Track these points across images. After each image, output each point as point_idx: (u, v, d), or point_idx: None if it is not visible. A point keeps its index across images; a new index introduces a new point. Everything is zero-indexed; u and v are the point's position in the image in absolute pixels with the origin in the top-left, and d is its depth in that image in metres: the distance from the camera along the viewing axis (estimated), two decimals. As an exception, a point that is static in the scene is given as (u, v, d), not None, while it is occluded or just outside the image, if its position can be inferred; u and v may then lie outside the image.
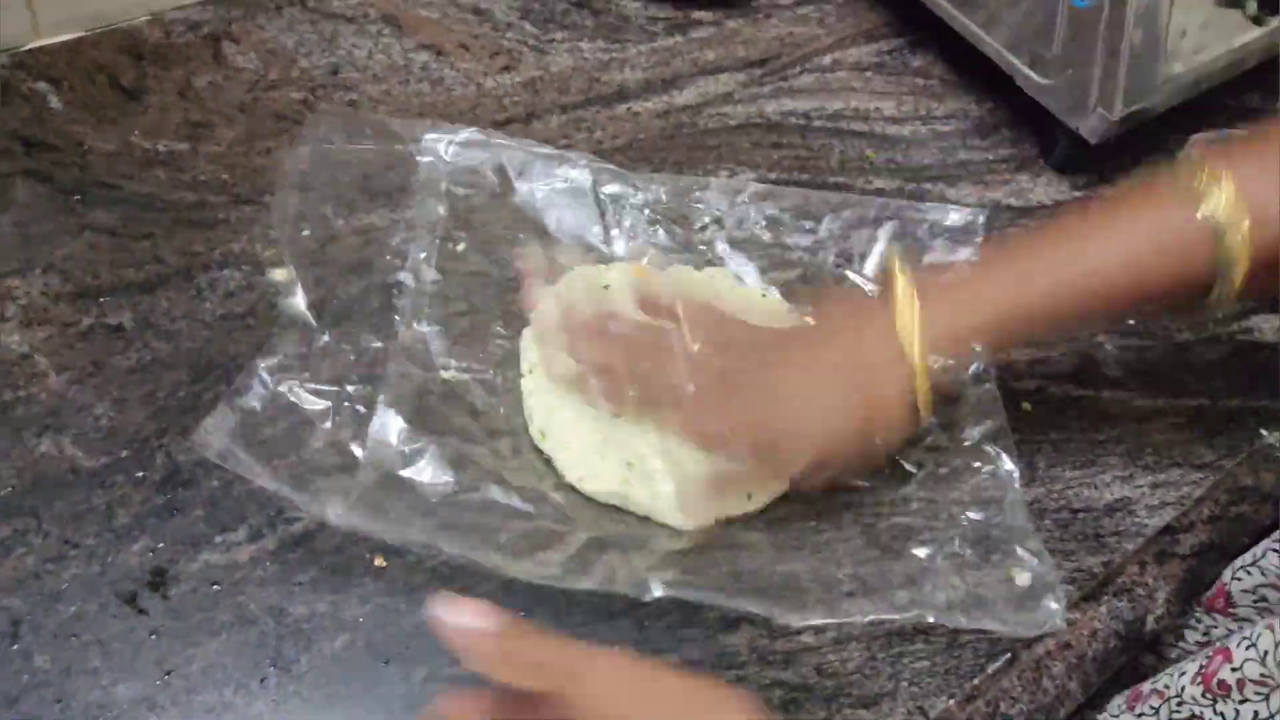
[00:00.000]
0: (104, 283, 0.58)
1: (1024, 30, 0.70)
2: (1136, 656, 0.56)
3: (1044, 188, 0.73)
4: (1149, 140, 0.74)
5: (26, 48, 0.68)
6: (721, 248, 0.63)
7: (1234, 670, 0.49)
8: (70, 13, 0.69)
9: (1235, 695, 0.49)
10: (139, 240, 0.60)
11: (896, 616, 0.48)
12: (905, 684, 0.48)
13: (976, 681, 0.49)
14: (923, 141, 0.74)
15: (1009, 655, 0.50)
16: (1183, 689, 0.51)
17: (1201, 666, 0.51)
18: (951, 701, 0.48)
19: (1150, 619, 0.54)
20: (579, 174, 0.63)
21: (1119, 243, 0.48)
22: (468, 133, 0.63)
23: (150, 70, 0.68)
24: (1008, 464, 0.54)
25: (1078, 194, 0.73)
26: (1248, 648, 0.48)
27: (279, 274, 0.59)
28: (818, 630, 0.49)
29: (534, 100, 0.71)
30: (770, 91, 0.75)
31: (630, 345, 0.51)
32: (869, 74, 0.77)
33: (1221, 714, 0.49)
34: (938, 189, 0.71)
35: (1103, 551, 0.55)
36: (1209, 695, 0.50)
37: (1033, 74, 0.70)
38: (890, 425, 0.49)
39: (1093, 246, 0.49)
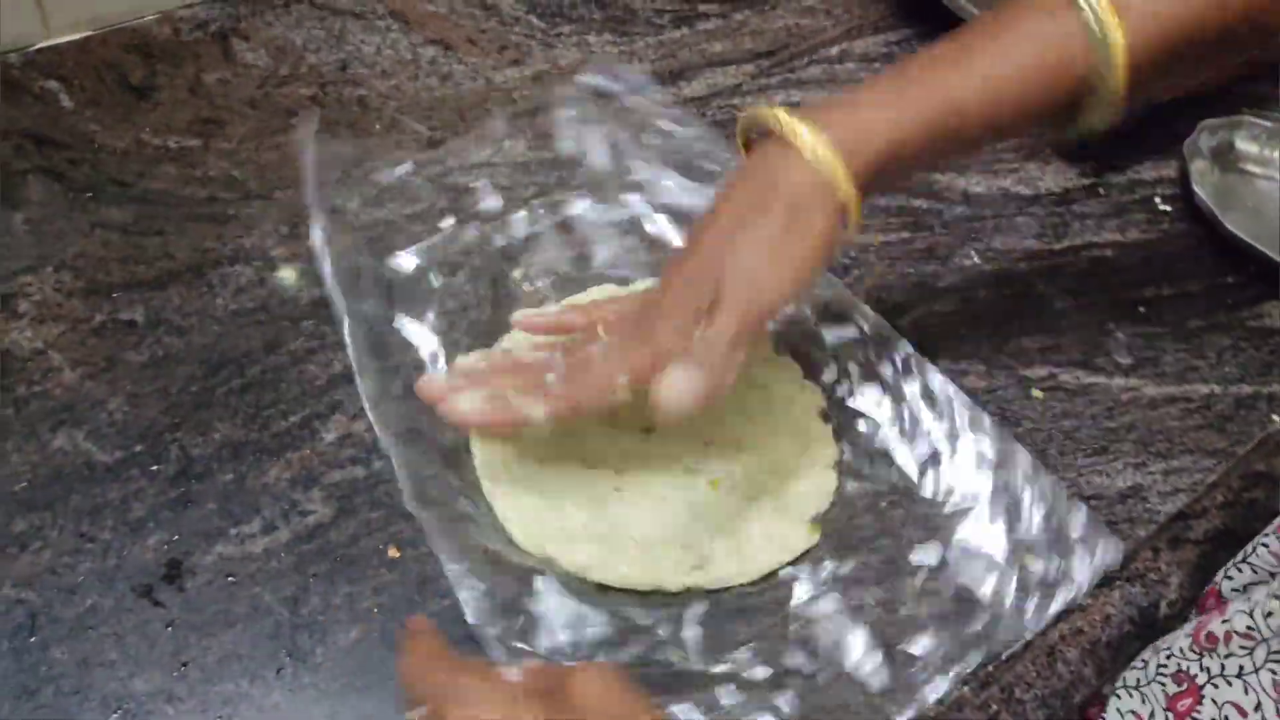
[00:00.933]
0: (116, 279, 0.58)
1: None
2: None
3: (1052, 175, 0.73)
4: (1156, 126, 0.74)
5: (36, 47, 0.68)
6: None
7: (1224, 623, 0.49)
8: (80, 11, 0.69)
9: (1221, 649, 0.49)
10: (150, 237, 0.60)
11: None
12: (918, 670, 0.48)
13: (990, 667, 0.49)
14: (931, 131, 0.74)
15: (1023, 641, 0.50)
16: (1175, 642, 0.51)
17: (1197, 621, 0.51)
18: (966, 688, 0.48)
19: (1164, 604, 0.54)
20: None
21: (1002, 52, 0.48)
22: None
23: (160, 68, 0.69)
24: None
25: (1086, 181, 0.73)
26: (1242, 600, 0.48)
27: (287, 273, 0.59)
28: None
29: (542, 93, 0.71)
30: (778, 83, 0.75)
31: (531, 357, 0.51)
32: (877, 65, 0.77)
33: (1207, 669, 0.49)
34: (946, 178, 0.71)
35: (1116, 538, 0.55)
36: (1196, 648, 0.50)
37: (1041, 62, 0.70)
38: (822, 229, 0.46)
39: (977, 58, 0.48)
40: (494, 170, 0.65)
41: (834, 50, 0.78)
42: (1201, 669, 0.49)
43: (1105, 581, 0.53)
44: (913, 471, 0.54)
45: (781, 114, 0.47)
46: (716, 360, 0.45)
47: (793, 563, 0.51)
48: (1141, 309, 0.66)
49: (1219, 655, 0.49)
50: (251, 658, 0.46)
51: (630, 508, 0.51)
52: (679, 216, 0.63)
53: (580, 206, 0.63)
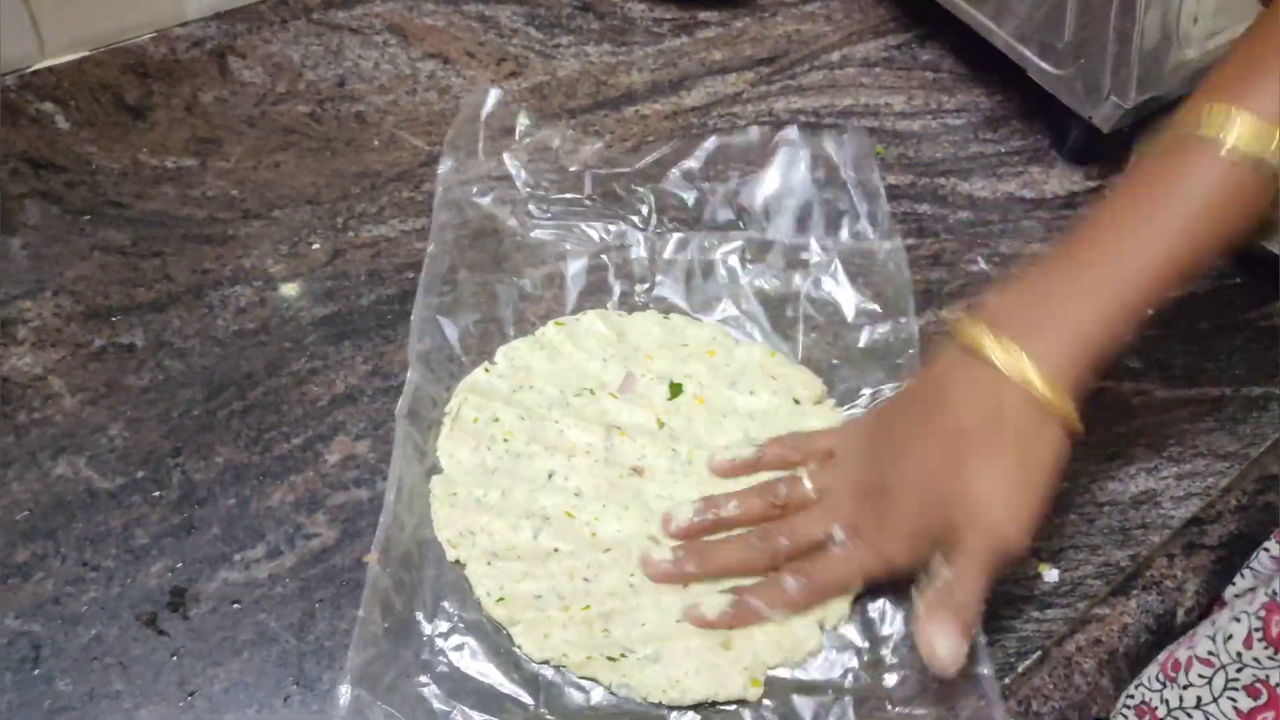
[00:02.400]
0: (115, 302, 0.58)
1: (1034, 20, 0.69)
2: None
3: (1057, 179, 0.72)
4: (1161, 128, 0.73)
5: (32, 68, 0.68)
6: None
7: (1189, 649, 0.48)
8: (75, 32, 0.69)
9: (1182, 678, 0.48)
10: (149, 259, 0.60)
11: None
12: (936, 684, 0.47)
13: (1007, 680, 0.48)
14: (933, 136, 0.73)
15: (1039, 653, 0.49)
16: (1147, 670, 0.51)
17: (1169, 649, 0.50)
18: (982, 701, 0.47)
19: (1180, 611, 0.53)
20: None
21: (1179, 215, 0.46)
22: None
23: (156, 87, 0.68)
24: None
25: (1091, 184, 0.72)
26: (1210, 624, 0.48)
27: (289, 289, 0.59)
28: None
29: (542, 105, 0.71)
30: (779, 90, 0.74)
31: (748, 536, 0.49)
32: (878, 69, 0.77)
33: (1166, 701, 0.49)
34: (950, 183, 0.70)
35: (1130, 545, 0.54)
36: (1161, 678, 0.49)
37: (1044, 64, 0.70)
38: (1051, 459, 0.46)
39: (1157, 230, 0.47)
40: (668, 188, 0.66)
41: (835, 56, 0.77)
42: (1161, 701, 0.49)
43: (1121, 589, 0.52)
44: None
45: (990, 343, 0.46)
46: (967, 609, 0.44)
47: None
48: (1150, 312, 0.65)
49: (1179, 685, 0.48)
50: (258, 686, 0.45)
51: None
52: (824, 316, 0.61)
53: (732, 255, 0.63)
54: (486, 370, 0.56)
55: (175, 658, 0.46)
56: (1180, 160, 0.47)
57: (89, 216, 0.61)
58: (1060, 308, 0.47)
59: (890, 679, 0.47)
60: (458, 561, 0.49)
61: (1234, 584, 0.55)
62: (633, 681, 0.46)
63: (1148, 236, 0.47)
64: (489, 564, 0.49)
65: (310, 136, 0.67)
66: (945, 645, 0.43)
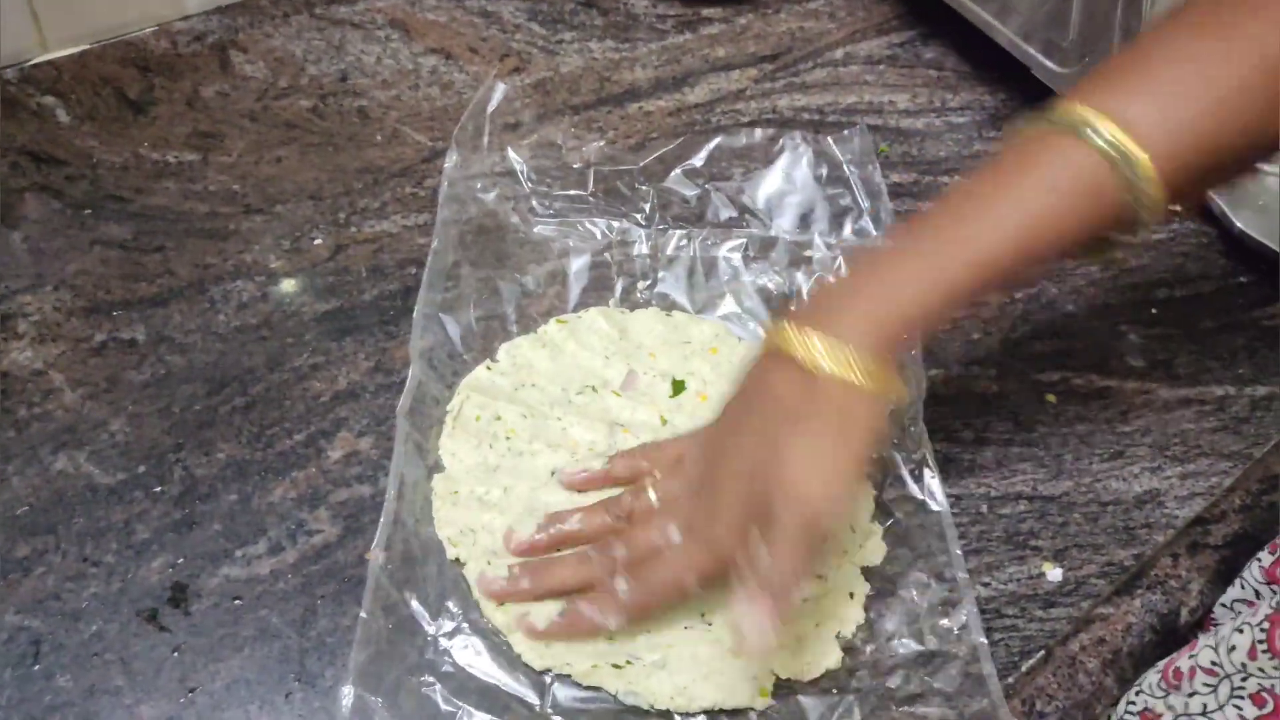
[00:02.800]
0: (116, 297, 0.57)
1: (1038, 18, 0.69)
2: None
3: (1061, 177, 0.72)
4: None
5: (33, 62, 0.68)
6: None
7: (1191, 658, 0.48)
8: (76, 26, 0.68)
9: (1186, 686, 0.48)
10: (150, 253, 0.59)
11: None
12: (942, 682, 0.47)
13: (1011, 680, 0.48)
14: (937, 134, 0.73)
15: (1043, 652, 0.49)
16: (1145, 678, 0.51)
17: (1171, 657, 0.50)
18: (986, 701, 0.47)
19: (1184, 611, 0.53)
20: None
21: (1027, 201, 0.45)
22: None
23: (157, 81, 0.68)
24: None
25: (1095, 182, 0.72)
26: (1211, 634, 0.48)
27: (291, 284, 0.59)
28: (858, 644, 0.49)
29: (545, 101, 0.70)
30: (782, 87, 0.74)
31: (587, 549, 0.48)
32: (881, 67, 0.76)
33: (1172, 707, 0.48)
34: (954, 181, 0.70)
35: (1134, 544, 0.54)
36: (1164, 686, 0.49)
37: (1048, 62, 0.69)
38: (861, 430, 0.45)
39: (1001, 209, 0.45)
40: (671, 185, 0.65)
41: (838, 53, 0.77)
42: (1166, 707, 0.49)
43: (1125, 588, 0.52)
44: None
45: (797, 341, 0.45)
46: (785, 586, 0.43)
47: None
48: (1153, 310, 0.65)
49: (1183, 693, 0.48)
50: (260, 682, 0.45)
51: None
52: None
53: (735, 252, 0.63)
54: (489, 368, 0.55)
55: (176, 654, 0.45)
56: (1036, 151, 0.46)
57: (90, 211, 0.61)
58: (868, 287, 0.46)
59: (894, 680, 0.47)
60: (457, 560, 0.49)
61: (1226, 594, 0.55)
62: (639, 689, 0.46)
63: (983, 223, 0.45)
64: (489, 563, 0.49)
65: (312, 131, 0.66)
66: (751, 627, 0.43)
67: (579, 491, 0.51)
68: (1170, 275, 0.67)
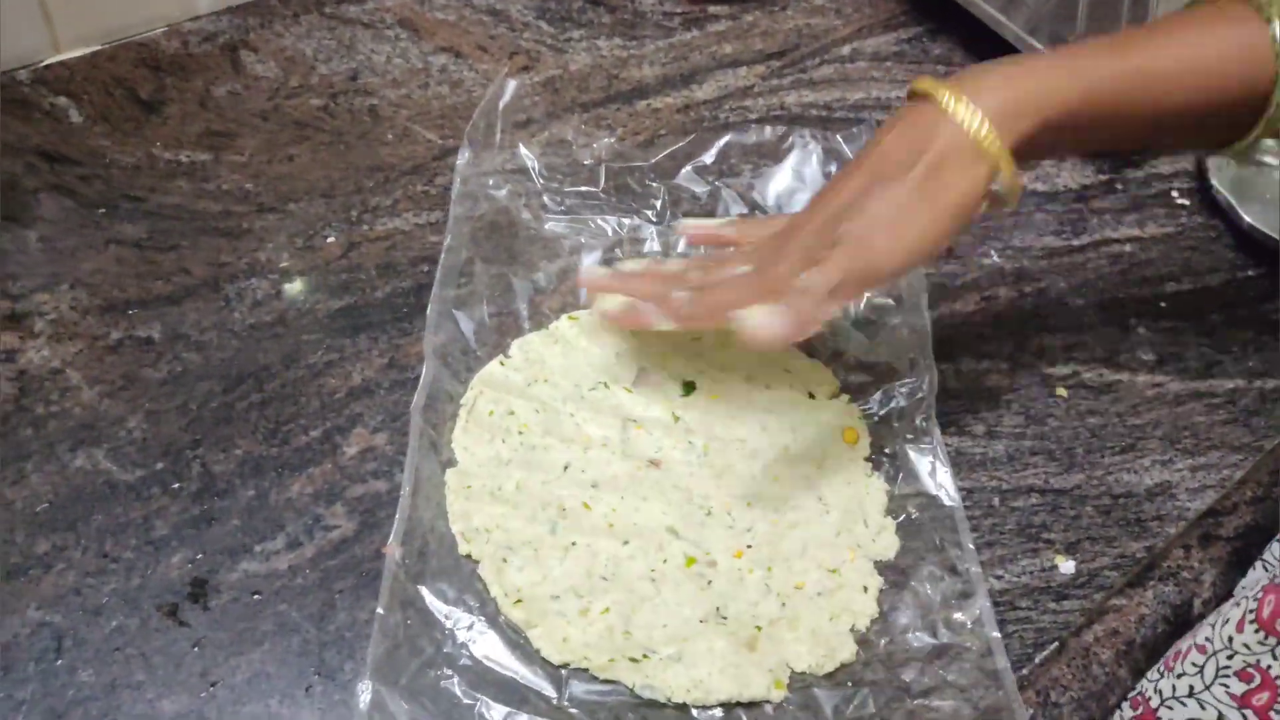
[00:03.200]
0: (132, 295, 0.58)
1: (1045, 12, 0.69)
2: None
3: (1069, 171, 0.72)
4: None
5: (45, 63, 0.68)
6: None
7: (1191, 639, 0.48)
8: (88, 27, 0.69)
9: (1176, 667, 0.48)
10: (165, 252, 0.60)
11: None
12: (955, 674, 0.48)
13: (1025, 671, 0.48)
14: (945, 129, 0.73)
15: (1057, 644, 0.50)
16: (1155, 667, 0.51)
17: (1178, 644, 0.50)
18: (1000, 693, 0.47)
19: (1198, 602, 0.53)
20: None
21: (1185, 48, 0.47)
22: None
23: (169, 81, 0.68)
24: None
25: (1103, 177, 0.72)
26: (1214, 614, 0.48)
27: (304, 283, 0.59)
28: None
29: (554, 99, 0.71)
30: (790, 83, 0.74)
31: (677, 266, 0.54)
32: (889, 63, 0.77)
33: (1160, 691, 0.48)
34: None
35: (1145, 536, 0.54)
36: (1161, 669, 0.49)
37: (1056, 57, 0.70)
38: (966, 197, 0.46)
39: (1157, 48, 0.48)
40: (681, 182, 0.66)
41: (845, 49, 0.77)
42: (1155, 691, 0.49)
43: (1138, 580, 0.52)
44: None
45: (934, 83, 0.47)
46: (806, 305, 0.46)
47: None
48: (1163, 304, 0.65)
49: (1173, 675, 0.48)
50: (280, 676, 0.45)
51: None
52: None
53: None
54: (502, 363, 0.56)
55: (196, 648, 0.46)
56: (1214, 10, 0.48)
57: (104, 210, 0.61)
58: (1016, 73, 0.47)
59: (908, 673, 0.47)
60: (469, 556, 0.49)
61: (1245, 577, 0.55)
62: (656, 682, 0.46)
63: (1143, 47, 0.47)
64: (504, 560, 0.49)
65: (323, 130, 0.67)
66: (761, 318, 0.45)
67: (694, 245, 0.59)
68: (1179, 269, 0.67)
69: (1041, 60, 0.48)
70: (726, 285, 0.50)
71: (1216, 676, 0.46)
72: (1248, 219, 0.68)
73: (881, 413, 0.57)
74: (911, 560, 0.51)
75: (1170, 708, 0.48)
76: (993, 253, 0.67)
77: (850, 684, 0.47)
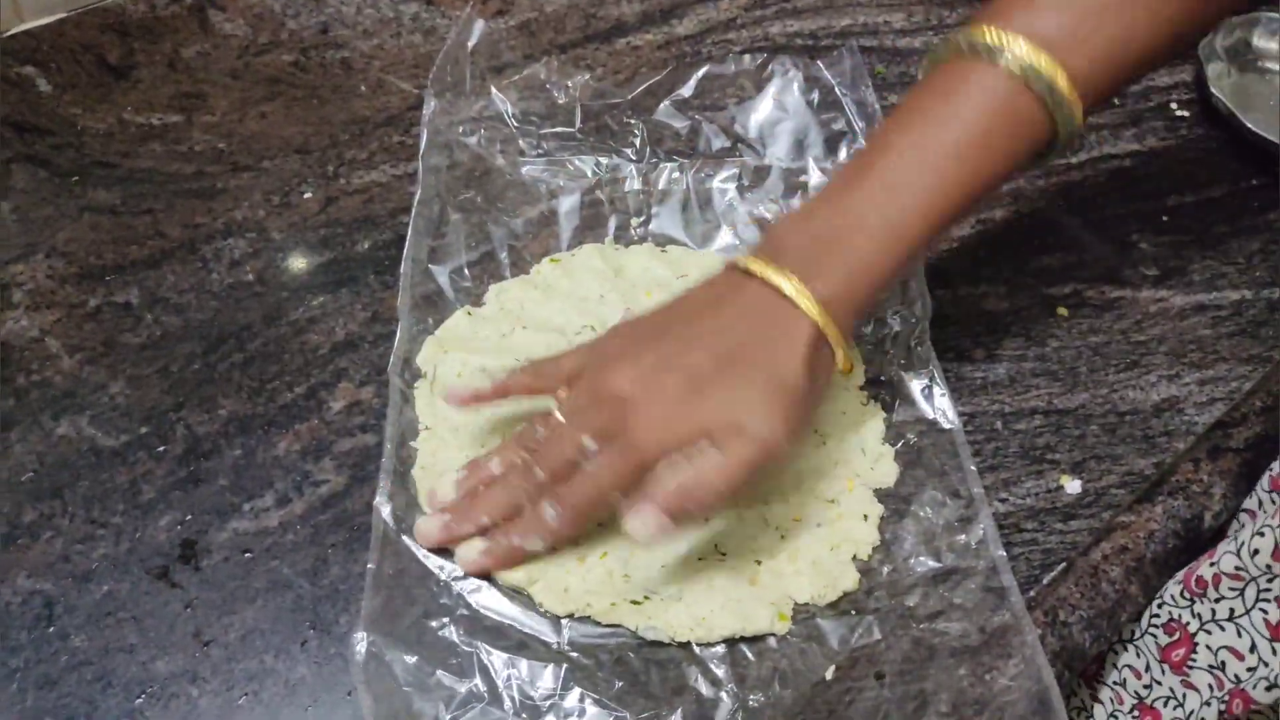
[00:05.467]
0: (108, 262, 0.57)
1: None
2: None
3: (1064, 89, 0.70)
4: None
5: (10, 33, 0.67)
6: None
7: (1212, 565, 0.47)
8: (51, -7, 0.67)
9: (1211, 593, 0.47)
10: (140, 216, 0.59)
11: None
12: (961, 597, 0.47)
13: (1033, 592, 0.47)
14: (934, 51, 0.71)
15: (1065, 564, 0.48)
16: (1166, 589, 0.50)
17: (1190, 566, 0.50)
18: (1007, 614, 0.46)
19: (1208, 516, 0.52)
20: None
21: (954, 136, 0.46)
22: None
23: (137, 45, 0.67)
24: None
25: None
26: (1229, 541, 0.47)
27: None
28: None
29: (531, 42, 0.69)
30: (774, 13, 0.72)
31: (515, 466, 0.47)
32: (873, -12, 0.74)
33: (1199, 615, 0.48)
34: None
35: (1153, 453, 0.53)
36: (1187, 595, 0.48)
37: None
38: (820, 383, 0.46)
39: (931, 153, 0.46)
40: (661, 118, 0.64)
41: (828, -24, 0.75)
42: (1193, 615, 0.48)
43: (1147, 496, 0.51)
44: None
45: (774, 272, 0.45)
46: (701, 508, 0.44)
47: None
48: (1165, 218, 0.64)
49: (1209, 600, 0.47)
50: (274, 632, 0.45)
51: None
52: None
53: (729, 183, 0.61)
54: (469, 314, 0.54)
55: (189, 609, 0.45)
56: (956, 79, 0.46)
57: (77, 178, 0.60)
58: (839, 241, 0.46)
59: (913, 598, 0.46)
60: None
61: (1249, 500, 0.54)
62: (659, 623, 0.45)
63: (922, 162, 0.46)
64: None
65: (296, 85, 0.65)
66: (638, 525, 0.43)
67: (467, 407, 0.49)
68: (1180, 181, 0.66)
69: (856, 216, 0.46)
70: (585, 474, 0.45)
71: (1257, 601, 0.46)
72: (1250, 127, 0.67)
73: (876, 340, 0.55)
74: (912, 487, 0.50)
75: (1209, 631, 0.47)
76: (987, 175, 0.65)
77: (854, 612, 0.46)
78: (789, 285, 0.45)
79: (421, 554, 0.46)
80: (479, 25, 0.64)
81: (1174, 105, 0.70)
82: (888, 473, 0.50)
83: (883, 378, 0.54)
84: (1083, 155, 0.67)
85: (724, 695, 0.44)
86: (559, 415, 0.46)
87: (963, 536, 0.48)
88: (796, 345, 0.45)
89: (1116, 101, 0.70)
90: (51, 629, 0.44)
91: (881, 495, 0.50)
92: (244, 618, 0.45)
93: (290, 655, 0.44)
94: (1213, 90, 0.69)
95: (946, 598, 0.46)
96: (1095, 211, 0.64)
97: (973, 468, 0.50)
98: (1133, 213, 0.64)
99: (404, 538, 0.46)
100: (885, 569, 0.48)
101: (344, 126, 0.63)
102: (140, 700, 0.43)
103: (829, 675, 0.44)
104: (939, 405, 0.52)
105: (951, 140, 0.46)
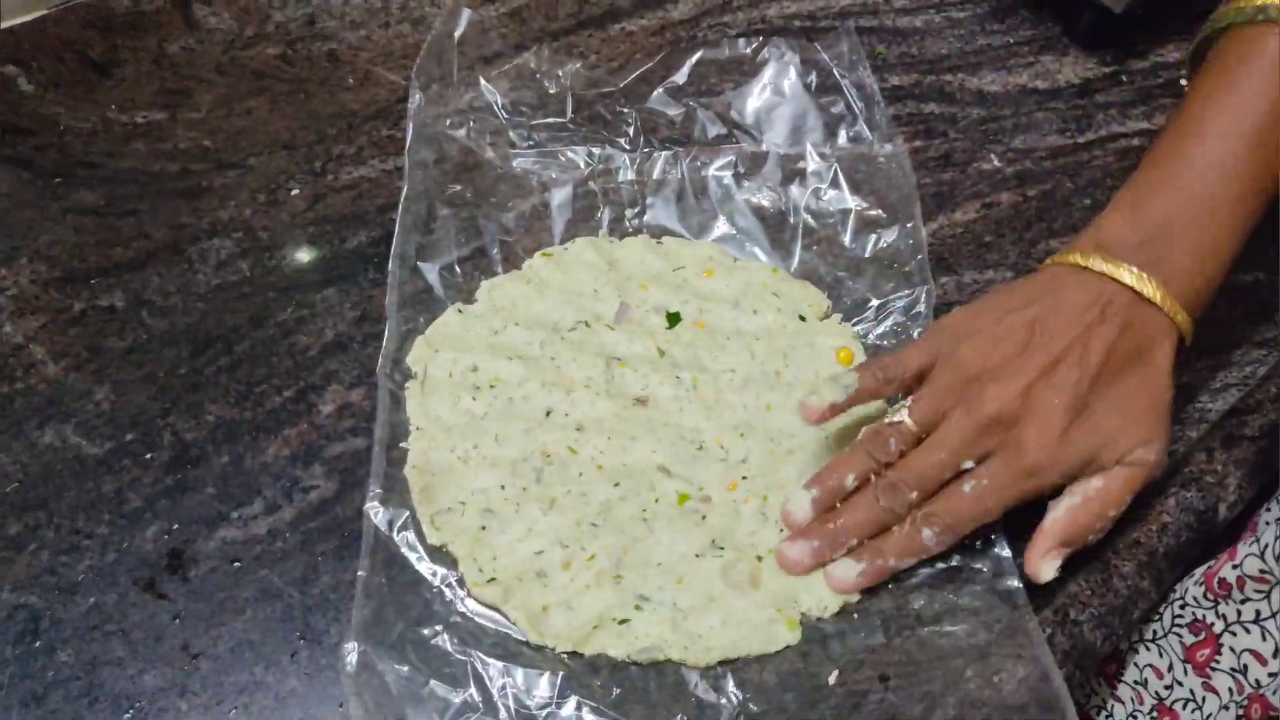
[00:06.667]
0: (92, 265, 0.56)
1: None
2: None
3: (1071, 67, 0.68)
4: (1176, 4, 0.69)
5: (-10, 32, 0.65)
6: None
7: (1235, 567, 0.46)
8: (31, -10, 0.66)
9: (1236, 594, 0.46)
10: (124, 217, 0.57)
11: None
12: (968, 598, 0.45)
13: (1041, 590, 0.46)
14: (937, 30, 0.69)
15: (1074, 559, 0.47)
16: (1186, 590, 0.49)
17: (1209, 566, 0.48)
18: (1015, 613, 0.45)
19: (1223, 507, 0.50)
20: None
21: (1258, 91, 0.46)
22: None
23: (120, 41, 0.66)
24: None
25: (1107, 70, 0.68)
26: (1251, 543, 0.45)
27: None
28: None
29: (522, 30, 0.67)
30: (769, -5, 0.70)
31: (870, 492, 0.46)
32: (873, -33, 0.72)
33: (1223, 615, 0.46)
34: (958, 79, 0.67)
35: (1166, 442, 0.51)
36: (1210, 596, 0.47)
37: (1049, -57, 0.65)
38: (1171, 373, 0.46)
39: (1242, 112, 0.46)
40: (654, 106, 0.63)
41: (826, -45, 0.73)
42: (1218, 615, 0.47)
43: (1159, 488, 0.50)
44: None
45: (1112, 266, 0.46)
46: (1091, 538, 0.45)
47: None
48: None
49: (1234, 601, 0.46)
50: (264, 644, 0.44)
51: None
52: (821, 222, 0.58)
53: (725, 171, 0.59)
54: (459, 311, 0.53)
55: (177, 621, 0.44)
56: (1242, 47, 0.46)
57: (60, 179, 0.59)
58: (1182, 231, 0.46)
59: (918, 600, 0.45)
60: (443, 548, 0.46)
61: (1269, 509, 0.52)
62: (649, 643, 0.43)
63: (1240, 134, 0.46)
64: (483, 529, 0.46)
65: (282, 80, 0.64)
66: (1050, 571, 0.44)
67: (817, 424, 0.47)
68: (1191, 160, 0.64)
69: (1186, 195, 0.46)
70: (971, 494, 0.44)
71: None
72: (1263, 102, 0.64)
73: (877, 329, 0.54)
74: None
75: (1234, 632, 0.46)
76: (993, 157, 0.63)
77: (857, 615, 0.45)
78: (1149, 288, 0.45)
79: (413, 560, 0.45)
80: (466, 14, 0.63)
81: (1184, 82, 0.68)
82: None
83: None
84: (1090, 134, 0.65)
85: (725, 701, 0.43)
86: (909, 421, 0.46)
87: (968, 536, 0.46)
88: (1165, 353, 0.45)
89: (1124, 79, 0.68)
90: (37, 643, 0.44)
91: None
92: (233, 629, 0.44)
93: (280, 667, 0.43)
94: (1224, 65, 0.66)
95: (952, 599, 0.45)
96: (1105, 192, 0.62)
97: None
98: (1142, 193, 0.62)
99: (395, 542, 0.45)
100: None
101: (331, 121, 0.62)
102: (128, 715, 0.42)
103: (832, 680, 0.43)
104: None
105: (1265, 106, 0.46)
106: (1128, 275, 0.45)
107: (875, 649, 0.44)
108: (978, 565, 0.46)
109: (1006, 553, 0.46)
